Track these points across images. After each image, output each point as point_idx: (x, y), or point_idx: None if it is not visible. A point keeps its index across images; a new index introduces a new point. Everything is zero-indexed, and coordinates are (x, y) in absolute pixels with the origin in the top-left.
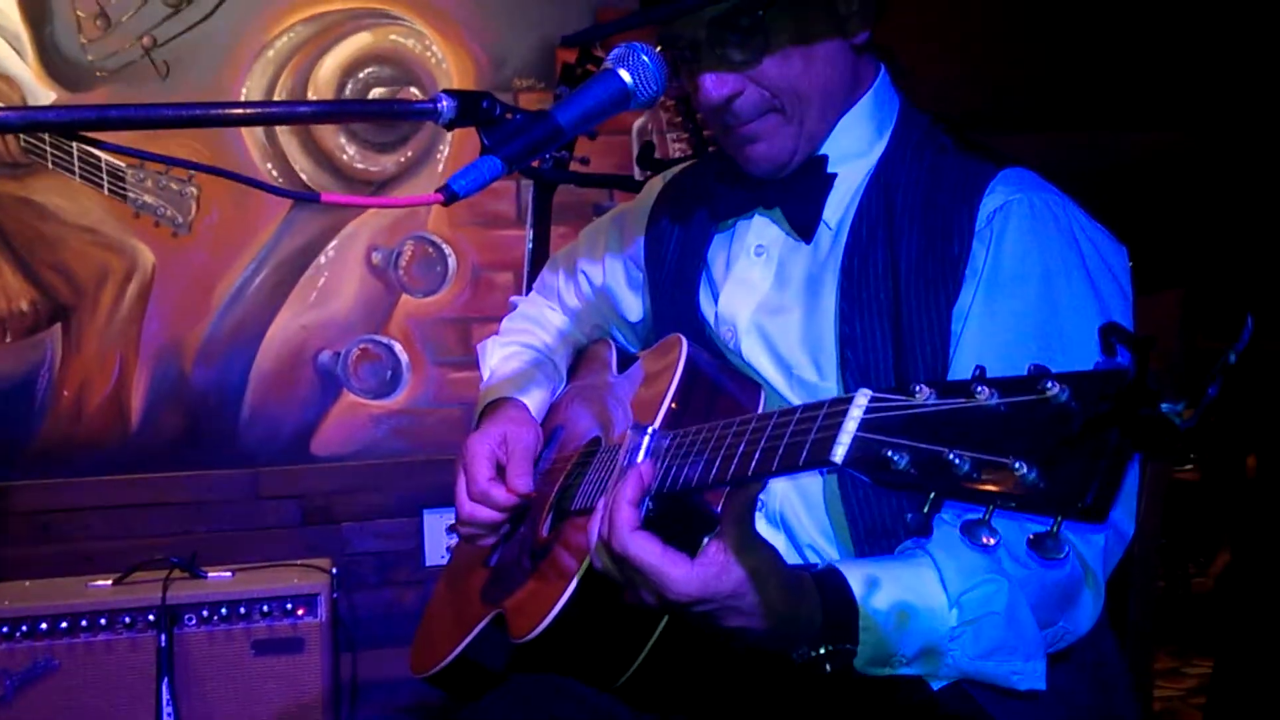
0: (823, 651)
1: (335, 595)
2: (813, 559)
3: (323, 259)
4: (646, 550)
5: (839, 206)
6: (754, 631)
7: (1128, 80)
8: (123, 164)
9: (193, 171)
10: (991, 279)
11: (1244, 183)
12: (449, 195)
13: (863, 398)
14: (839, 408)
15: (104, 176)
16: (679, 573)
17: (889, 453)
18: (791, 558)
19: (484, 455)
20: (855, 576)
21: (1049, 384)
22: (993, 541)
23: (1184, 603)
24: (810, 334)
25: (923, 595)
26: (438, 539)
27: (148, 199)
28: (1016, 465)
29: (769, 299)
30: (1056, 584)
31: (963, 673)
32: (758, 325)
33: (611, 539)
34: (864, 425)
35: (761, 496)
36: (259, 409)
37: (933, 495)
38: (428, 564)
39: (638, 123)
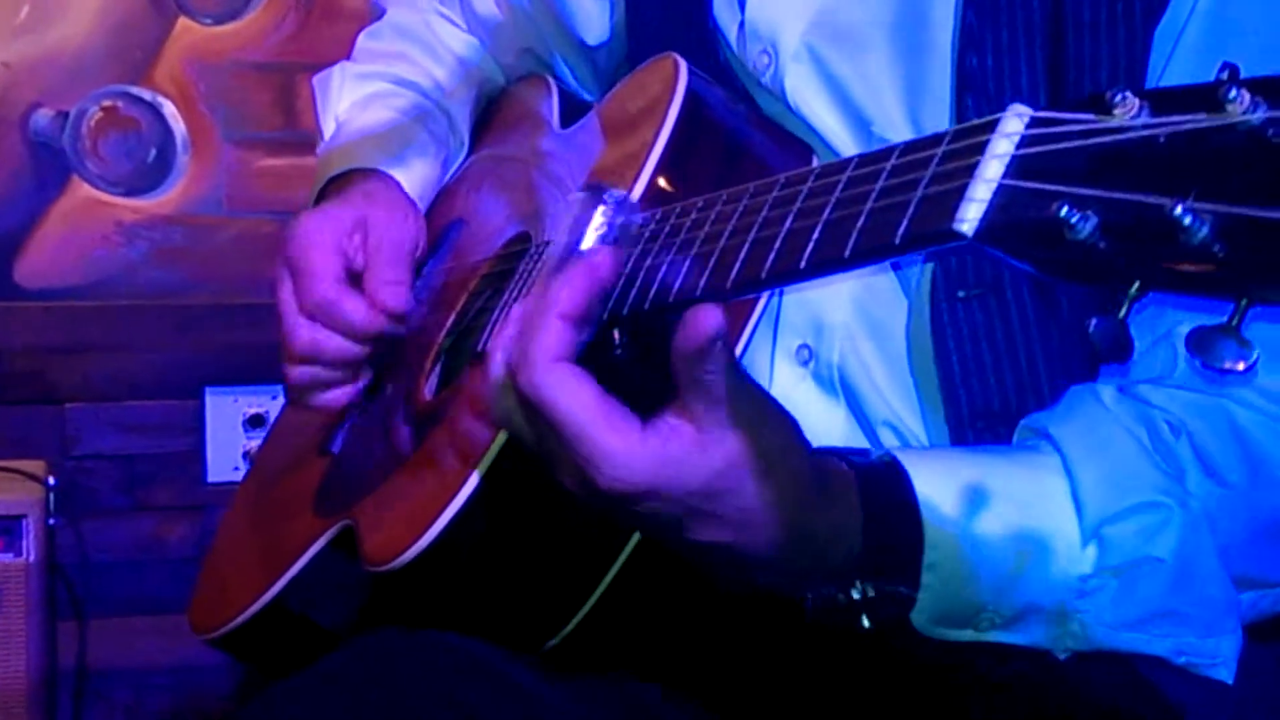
0: (858, 597)
1: (53, 522)
2: (892, 445)
3: None
4: (573, 397)
5: None
6: (739, 553)
7: None
8: None
9: None
10: None
11: None
12: None
13: (1016, 119)
14: (971, 140)
15: None
16: (620, 443)
17: (1064, 210)
18: (857, 443)
19: (326, 243)
20: (923, 468)
21: None
22: (1243, 366)
23: None
24: (907, 67)
25: (1039, 514)
26: (230, 437)
27: None
28: None
29: (836, 4)
30: (1276, 514)
31: (1094, 646)
32: (814, 49)
33: (520, 372)
34: (1015, 165)
35: (810, 342)
36: None
37: (1137, 284)
38: (211, 480)
39: None
